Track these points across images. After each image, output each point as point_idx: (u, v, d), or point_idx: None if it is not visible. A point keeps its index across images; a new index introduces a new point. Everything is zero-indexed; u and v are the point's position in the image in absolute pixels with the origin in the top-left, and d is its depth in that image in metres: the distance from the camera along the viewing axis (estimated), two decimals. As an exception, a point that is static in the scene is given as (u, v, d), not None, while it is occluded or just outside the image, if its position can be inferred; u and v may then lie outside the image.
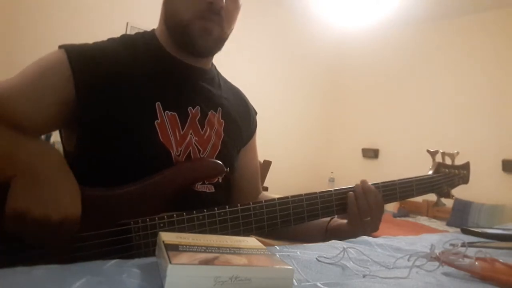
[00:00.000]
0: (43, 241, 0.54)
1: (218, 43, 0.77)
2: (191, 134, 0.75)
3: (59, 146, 0.79)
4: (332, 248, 0.64)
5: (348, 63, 5.19)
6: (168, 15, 0.77)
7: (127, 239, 0.60)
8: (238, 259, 0.42)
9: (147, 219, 0.62)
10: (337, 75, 5.24)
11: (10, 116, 0.62)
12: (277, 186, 3.00)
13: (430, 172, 0.96)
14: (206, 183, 0.76)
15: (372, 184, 0.81)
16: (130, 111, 0.69)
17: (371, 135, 4.84)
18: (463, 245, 0.59)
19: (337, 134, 5.20)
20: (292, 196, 0.74)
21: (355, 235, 0.75)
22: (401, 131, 4.53)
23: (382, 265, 0.59)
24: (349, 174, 4.54)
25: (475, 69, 4.04)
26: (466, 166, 1.02)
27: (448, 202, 0.99)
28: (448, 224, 3.65)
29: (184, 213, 0.64)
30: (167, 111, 0.72)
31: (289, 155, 4.63)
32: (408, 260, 0.56)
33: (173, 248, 0.42)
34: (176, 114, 0.73)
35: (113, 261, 0.45)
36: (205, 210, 0.66)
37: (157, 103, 0.72)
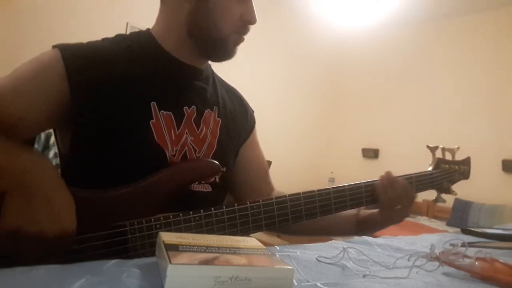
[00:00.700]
0: (39, 256, 0.53)
1: None
2: (186, 133, 0.75)
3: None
4: (332, 248, 0.64)
5: (348, 63, 5.18)
6: (201, 27, 0.75)
7: (124, 241, 0.60)
8: (238, 259, 0.42)
9: (143, 221, 0.61)
10: (337, 75, 5.23)
11: (3, 116, 0.61)
12: (277, 186, 2.98)
13: (430, 168, 0.94)
14: (203, 182, 0.75)
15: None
16: (125, 111, 0.69)
17: (371, 135, 4.83)
18: (463, 245, 0.59)
19: (337, 134, 5.20)
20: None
21: (388, 223, 0.84)
22: (401, 131, 4.53)
23: (382, 265, 0.59)
24: (349, 174, 4.53)
25: (475, 69, 4.03)
26: (466, 161, 1.00)
27: (448, 199, 0.98)
28: (448, 224, 3.65)
29: (181, 214, 0.64)
30: (162, 111, 0.72)
31: (289, 155, 4.62)
32: (408, 260, 0.56)
33: (173, 248, 0.42)
34: (171, 114, 0.73)
35: (113, 261, 0.45)
36: (201, 211, 0.65)
37: (152, 102, 0.71)
